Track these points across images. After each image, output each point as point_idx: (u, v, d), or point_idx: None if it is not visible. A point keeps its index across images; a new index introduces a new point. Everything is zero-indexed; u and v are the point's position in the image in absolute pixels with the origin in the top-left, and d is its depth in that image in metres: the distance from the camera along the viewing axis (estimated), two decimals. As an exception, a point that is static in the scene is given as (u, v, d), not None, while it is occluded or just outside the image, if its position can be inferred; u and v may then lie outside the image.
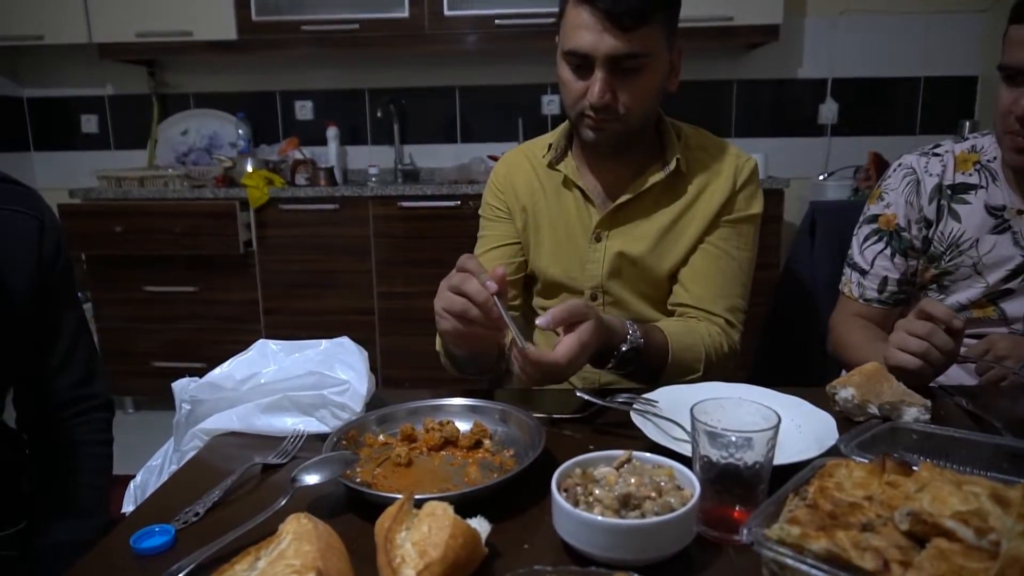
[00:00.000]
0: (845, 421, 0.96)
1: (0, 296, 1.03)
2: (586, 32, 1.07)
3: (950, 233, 1.26)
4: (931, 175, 1.29)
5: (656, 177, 1.22)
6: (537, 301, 1.38)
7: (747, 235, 1.26)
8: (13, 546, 1.10)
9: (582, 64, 1.11)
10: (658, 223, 1.24)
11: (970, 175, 1.26)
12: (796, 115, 3.40)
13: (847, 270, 1.42)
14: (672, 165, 1.21)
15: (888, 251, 1.35)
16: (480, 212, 1.40)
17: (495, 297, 0.89)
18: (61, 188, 3.16)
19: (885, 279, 1.35)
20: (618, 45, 1.07)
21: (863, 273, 1.38)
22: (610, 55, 1.07)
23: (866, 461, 0.71)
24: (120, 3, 3.11)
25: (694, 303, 1.23)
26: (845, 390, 0.98)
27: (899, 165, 1.35)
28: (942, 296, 1.31)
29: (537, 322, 0.97)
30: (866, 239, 1.38)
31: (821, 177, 3.22)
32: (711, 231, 1.24)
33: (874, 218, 1.37)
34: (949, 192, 1.28)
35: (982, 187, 1.25)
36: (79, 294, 1.21)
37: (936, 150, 1.32)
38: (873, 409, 0.95)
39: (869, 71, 3.32)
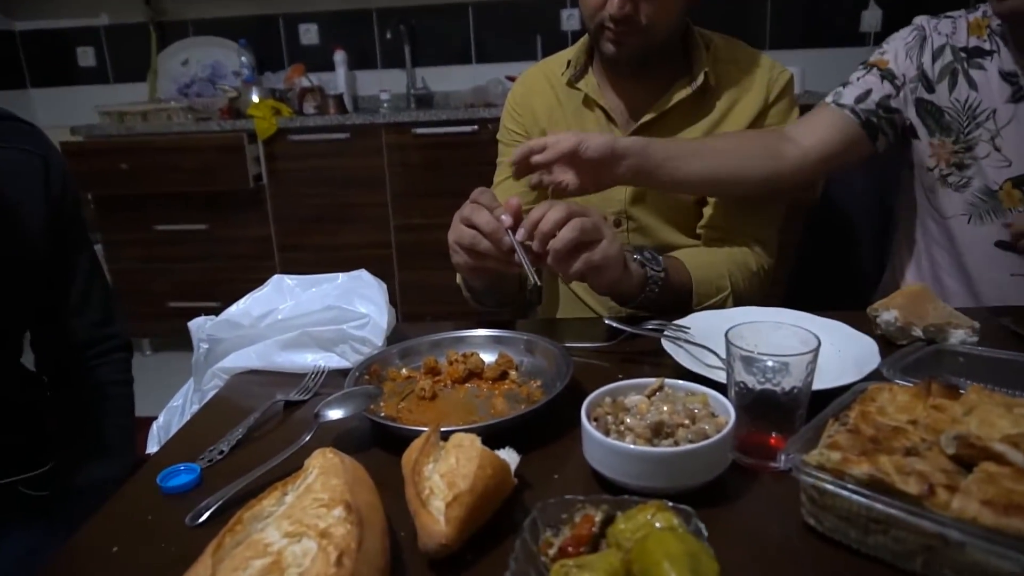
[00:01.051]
0: (887, 345, 0.95)
1: (11, 236, 1.04)
2: None
3: (966, 100, 1.20)
4: (940, 34, 1.22)
5: (682, 93, 1.18)
6: None
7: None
8: (43, 486, 1.14)
9: None
10: (687, 137, 1.20)
11: (984, 40, 1.20)
12: (836, 23, 3.26)
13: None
14: (699, 80, 1.17)
15: (877, 77, 1.24)
16: (498, 136, 1.37)
17: (508, 230, 0.89)
18: (62, 126, 3.15)
19: (869, 91, 1.24)
20: None
21: (845, 84, 1.27)
22: None
23: (911, 385, 0.70)
24: (109, -76, 3.03)
25: (721, 224, 1.21)
26: (888, 312, 0.96)
27: (911, 24, 1.27)
28: (963, 180, 1.23)
29: (518, 236, 0.92)
30: (861, 69, 1.28)
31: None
32: (759, 119, 1.20)
33: (867, 64, 1.28)
34: (964, 55, 1.20)
35: (995, 51, 1.18)
36: (89, 235, 1.22)
37: (949, 13, 1.25)
38: (917, 332, 0.94)
39: (917, -29, 3.15)
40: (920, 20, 1.26)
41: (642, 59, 1.14)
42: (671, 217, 1.24)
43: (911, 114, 1.24)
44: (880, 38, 3.21)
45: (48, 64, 3.64)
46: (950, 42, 1.21)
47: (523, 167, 1.01)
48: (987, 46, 1.18)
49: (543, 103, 1.29)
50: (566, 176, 1.01)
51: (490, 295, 1.16)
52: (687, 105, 1.19)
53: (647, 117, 1.20)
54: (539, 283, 0.91)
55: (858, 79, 1.24)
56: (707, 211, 1.23)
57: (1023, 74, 1.16)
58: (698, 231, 1.24)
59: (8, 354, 1.12)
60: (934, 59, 1.21)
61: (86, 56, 3.61)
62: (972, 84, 1.19)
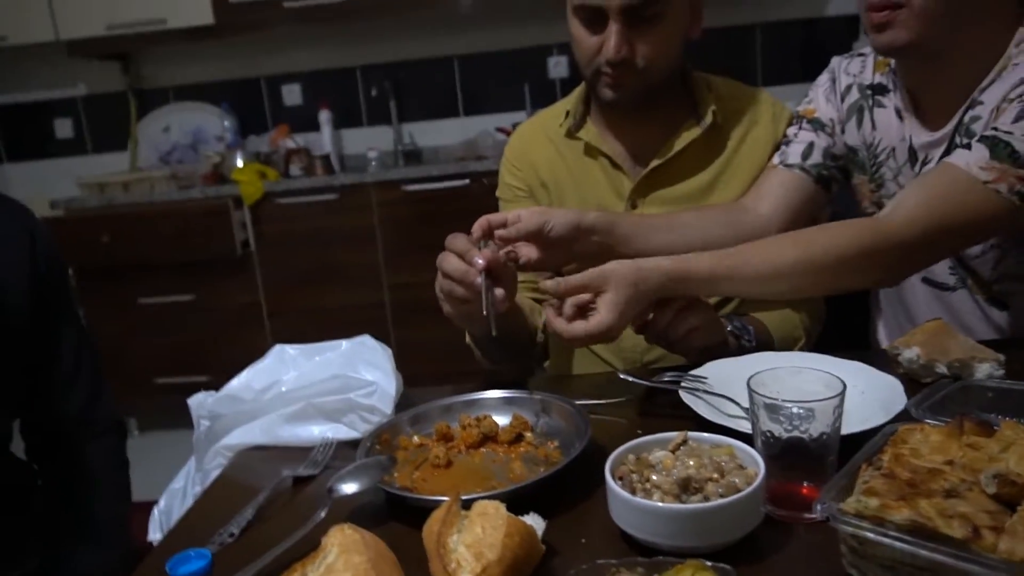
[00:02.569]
0: (911, 383, 0.96)
1: None
2: None
3: (871, 139, 1.22)
4: (848, 74, 1.25)
5: (692, 134, 1.21)
6: None
7: None
8: (33, 580, 1.13)
9: (594, 18, 1.10)
10: (698, 182, 1.23)
11: (885, 76, 1.21)
12: (828, 56, 3.34)
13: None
14: (708, 119, 1.20)
15: (809, 126, 1.26)
16: (498, 193, 1.40)
17: (482, 273, 0.94)
18: (40, 200, 3.19)
19: (811, 144, 1.25)
20: None
21: (786, 143, 1.27)
22: (625, 5, 1.06)
23: (942, 424, 0.71)
24: (86, -5, 3.12)
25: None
26: (909, 350, 0.98)
27: (826, 68, 1.31)
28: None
29: (634, 330, 1.01)
30: (792, 123, 1.30)
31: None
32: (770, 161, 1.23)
33: (798, 116, 1.30)
34: (869, 92, 1.22)
35: (892, 89, 1.20)
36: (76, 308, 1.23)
37: (863, 51, 1.27)
38: (941, 368, 0.95)
39: None
40: (834, 62, 1.30)
41: (642, 100, 1.17)
42: None
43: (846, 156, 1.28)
44: (873, 69, 3.31)
45: (24, 137, 3.71)
46: (857, 80, 1.24)
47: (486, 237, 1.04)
48: (887, 83, 1.21)
49: (543, 156, 1.31)
50: (529, 252, 1.04)
51: (497, 348, 1.18)
52: (697, 146, 1.22)
53: (656, 162, 1.22)
54: (494, 333, 0.95)
55: (795, 135, 1.26)
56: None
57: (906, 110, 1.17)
58: None
59: (-3, 443, 1.13)
60: (842, 99, 1.25)
61: (63, 127, 3.68)
62: (874, 123, 1.21)
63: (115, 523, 1.20)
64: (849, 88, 1.24)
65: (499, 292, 0.95)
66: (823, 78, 1.30)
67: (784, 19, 3.34)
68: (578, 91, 1.29)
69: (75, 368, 1.17)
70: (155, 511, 1.03)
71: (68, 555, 1.14)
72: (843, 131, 1.25)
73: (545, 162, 1.31)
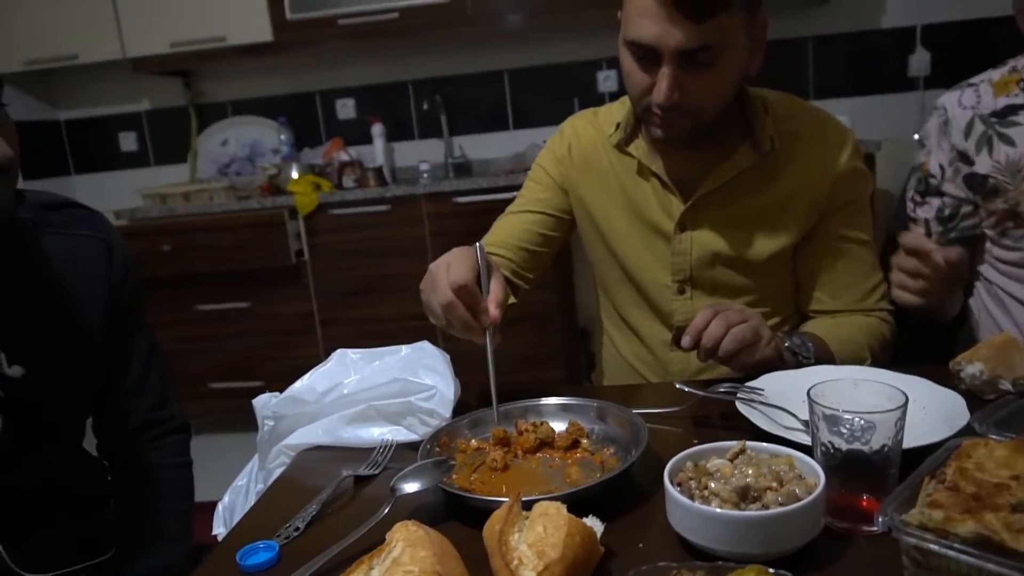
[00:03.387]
0: (973, 400, 0.95)
1: (75, 324, 1.10)
2: (650, 22, 1.00)
3: (1007, 158, 1.24)
4: (964, 108, 1.28)
5: (746, 160, 1.17)
6: (617, 299, 1.33)
7: (866, 210, 1.24)
8: (105, 575, 1.17)
9: (647, 56, 1.05)
10: (752, 208, 1.19)
11: (1016, 95, 1.25)
12: (882, 69, 3.31)
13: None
14: (765, 146, 1.16)
15: (918, 196, 1.37)
16: (530, 172, 1.38)
17: (487, 331, 0.93)
18: (105, 210, 3.30)
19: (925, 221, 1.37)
20: (688, 38, 0.99)
21: (914, 221, 1.40)
22: (679, 50, 1.01)
23: (1008, 439, 0.70)
24: (151, 14, 3.25)
25: (844, 307, 1.23)
26: (972, 366, 0.96)
27: (934, 108, 1.35)
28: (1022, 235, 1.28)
29: (684, 343, 1.01)
30: (913, 190, 1.40)
31: (917, 136, 3.13)
32: (828, 219, 1.20)
33: (919, 165, 1.38)
34: (994, 120, 1.26)
35: None
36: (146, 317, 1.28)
37: (971, 80, 1.32)
38: (1006, 385, 0.94)
39: (963, 13, 3.21)
40: (942, 100, 1.33)
41: (694, 138, 1.13)
42: (738, 283, 1.23)
43: (961, 192, 1.31)
44: (929, 82, 3.26)
45: (91, 150, 3.85)
46: (977, 113, 1.27)
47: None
48: (1020, 99, 1.24)
49: (596, 165, 1.28)
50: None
51: None
52: (751, 171, 1.18)
53: (707, 188, 1.18)
54: (496, 410, 0.96)
55: (913, 209, 1.37)
56: (820, 295, 1.25)
57: None
58: (811, 314, 1.27)
59: (70, 439, 1.17)
60: (966, 136, 1.27)
61: (128, 141, 3.82)
62: (1009, 141, 1.24)
63: (178, 520, 1.23)
64: (971, 123, 1.27)
65: (499, 338, 0.95)
66: (934, 122, 1.33)
67: (836, 32, 3.30)
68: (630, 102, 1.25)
69: (144, 373, 1.21)
70: (219, 507, 1.07)
71: (136, 550, 1.18)
72: (969, 163, 1.27)
73: (598, 173, 1.28)
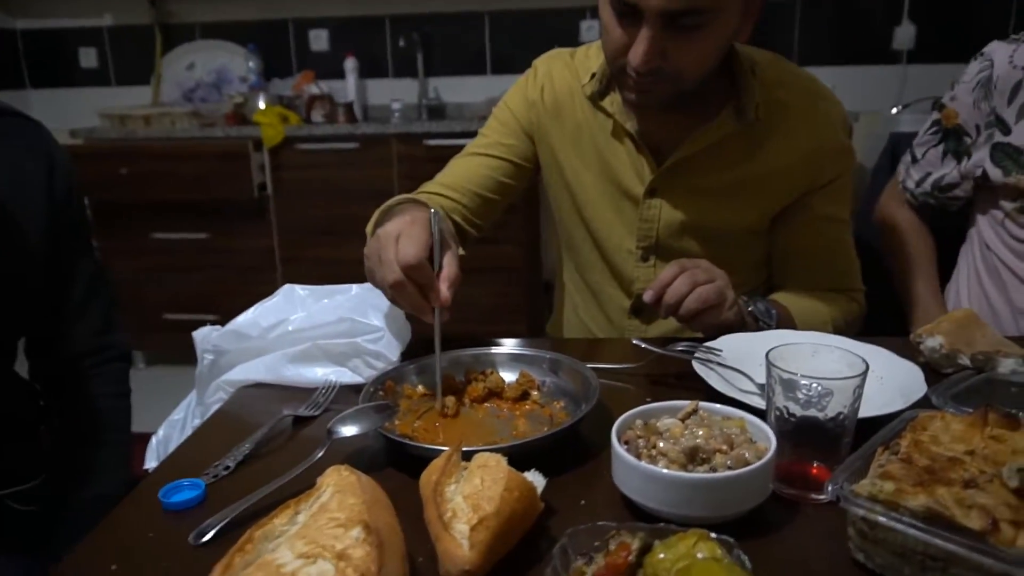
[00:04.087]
0: (931, 373, 0.94)
1: (11, 241, 1.04)
2: None
3: None
4: (1015, 67, 1.16)
5: (727, 127, 1.09)
6: (579, 259, 1.28)
7: (848, 188, 1.19)
8: (32, 501, 1.13)
9: (627, 12, 0.95)
10: (729, 179, 1.13)
11: None
12: (867, 40, 3.27)
13: (908, 149, 1.40)
14: (751, 115, 1.08)
15: (940, 148, 1.30)
16: (495, 109, 1.29)
17: (434, 309, 0.88)
18: (61, 129, 3.17)
19: (926, 175, 1.33)
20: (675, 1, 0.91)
21: (914, 159, 1.37)
22: (664, 10, 0.91)
23: (964, 413, 0.69)
24: (118, -78, 3.07)
25: (817, 287, 1.18)
26: (932, 339, 0.95)
27: (981, 54, 1.24)
28: None
29: (646, 297, 0.96)
30: (930, 127, 1.35)
31: (895, 110, 3.11)
32: (809, 196, 1.14)
33: (940, 106, 1.31)
34: None
35: None
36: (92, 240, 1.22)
37: None
38: (964, 360, 0.93)
39: (953, -12, 3.17)
40: (990, 50, 1.21)
41: (670, 104, 1.05)
42: (714, 255, 1.07)
43: (986, 163, 1.23)
44: (913, 56, 3.23)
45: (49, 65, 3.68)
46: None
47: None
48: None
49: (570, 115, 1.20)
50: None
51: None
52: (731, 139, 1.11)
53: (682, 154, 1.11)
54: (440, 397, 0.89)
55: (922, 152, 1.29)
56: (798, 272, 1.20)
57: None
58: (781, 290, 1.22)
59: (1, 361, 1.12)
60: (1009, 100, 1.17)
61: (88, 57, 3.64)
62: None
63: (115, 450, 1.19)
64: (1019, 86, 1.15)
65: (447, 314, 0.89)
66: (974, 70, 1.22)
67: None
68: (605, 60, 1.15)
69: (87, 297, 1.16)
70: (153, 440, 1.03)
71: (70, 478, 1.14)
72: (1006, 131, 1.18)
73: (572, 124, 1.20)
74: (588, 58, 1.21)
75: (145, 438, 1.06)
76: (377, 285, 0.91)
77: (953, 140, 1.28)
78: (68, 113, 3.52)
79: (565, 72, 1.22)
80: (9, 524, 1.09)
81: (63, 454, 1.16)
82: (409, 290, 0.85)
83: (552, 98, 1.22)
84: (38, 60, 3.69)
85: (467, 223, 1.23)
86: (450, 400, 0.85)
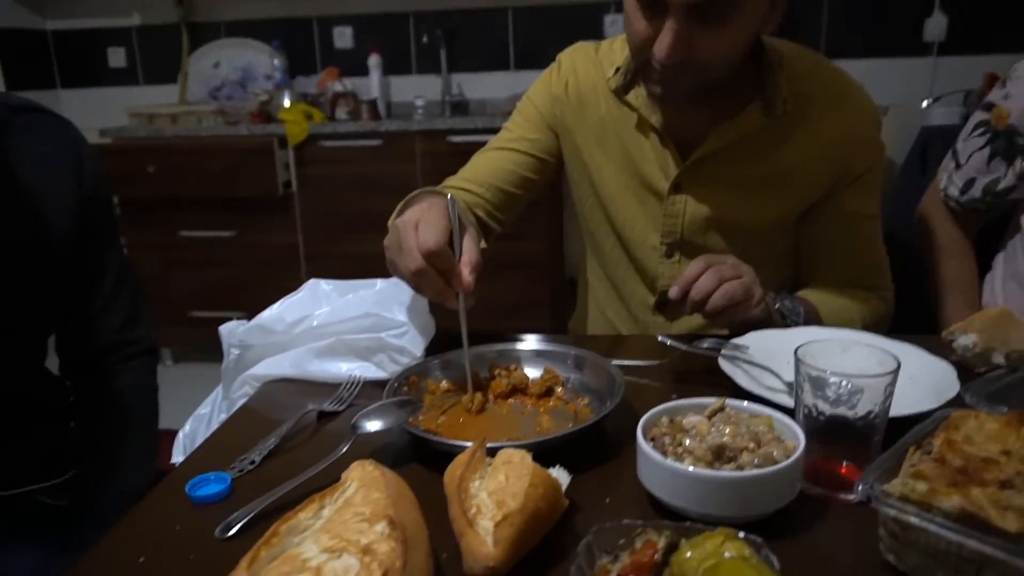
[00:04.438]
0: (964, 372, 0.92)
1: (40, 237, 1.05)
2: None
3: None
4: None
5: (753, 122, 1.08)
6: (602, 254, 1.27)
7: (877, 183, 1.16)
8: (62, 496, 1.15)
9: (652, 3, 0.94)
10: (755, 174, 1.11)
11: None
12: (897, 31, 3.21)
13: (950, 152, 1.35)
14: (778, 110, 1.06)
15: (987, 151, 1.25)
16: (519, 104, 1.28)
17: (458, 295, 0.86)
18: (91, 128, 3.21)
19: (972, 181, 1.28)
20: None
21: (957, 164, 1.31)
22: (689, 2, 0.90)
23: (999, 412, 0.67)
24: (145, -77, 3.11)
25: (844, 284, 1.16)
26: (966, 336, 0.93)
27: None
28: None
29: (672, 293, 0.94)
30: (975, 128, 1.29)
31: (925, 103, 3.06)
32: (837, 192, 1.13)
33: (989, 106, 1.27)
34: None
35: None
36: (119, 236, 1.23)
37: None
38: (999, 358, 0.91)
39: (986, -23, 3.11)
40: None
41: (695, 96, 1.03)
42: (739, 251, 1.06)
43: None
44: (944, 48, 3.17)
45: (78, 65, 3.73)
46: None
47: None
48: None
49: (594, 109, 1.19)
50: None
51: None
52: (757, 134, 1.09)
53: (711, 146, 1.10)
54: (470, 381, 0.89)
55: (966, 155, 1.24)
56: (826, 270, 1.18)
57: None
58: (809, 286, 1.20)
59: (32, 356, 1.13)
60: None
61: (117, 56, 3.69)
62: None
63: (141, 445, 1.21)
64: None
65: (472, 299, 0.88)
66: None
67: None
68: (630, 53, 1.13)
69: (115, 292, 1.17)
70: (180, 435, 1.04)
71: (96, 474, 1.16)
72: None
73: (595, 119, 1.19)
74: (612, 51, 1.20)
75: (172, 434, 1.08)
76: (399, 275, 0.91)
77: (1004, 141, 1.23)
78: (97, 112, 3.57)
79: (589, 66, 1.21)
80: (38, 519, 1.11)
81: (91, 450, 1.18)
82: (431, 277, 0.84)
83: (576, 92, 1.21)
84: (68, 60, 3.74)
85: (489, 218, 1.23)
86: (477, 396, 0.85)
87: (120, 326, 1.18)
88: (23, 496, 1.10)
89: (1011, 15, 3.13)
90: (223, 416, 1.01)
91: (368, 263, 3.09)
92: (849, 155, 1.11)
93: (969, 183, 1.28)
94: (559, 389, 0.89)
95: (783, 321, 1.05)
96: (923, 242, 1.39)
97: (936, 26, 3.17)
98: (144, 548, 0.65)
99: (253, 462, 0.77)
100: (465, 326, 0.89)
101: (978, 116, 1.29)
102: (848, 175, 1.12)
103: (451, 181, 1.26)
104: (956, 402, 0.77)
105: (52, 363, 1.20)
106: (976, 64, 3.12)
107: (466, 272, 0.85)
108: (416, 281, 0.86)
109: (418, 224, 0.85)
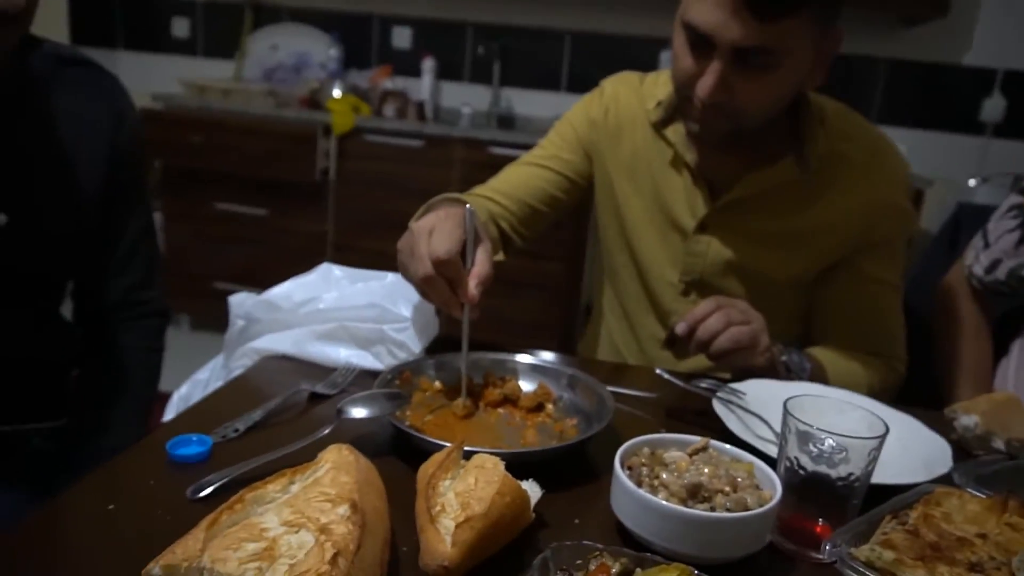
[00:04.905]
0: (961, 452, 0.91)
1: (68, 184, 1.08)
2: (712, 7, 0.92)
3: None
4: None
5: (787, 174, 1.08)
6: (619, 284, 1.27)
7: (900, 252, 1.16)
8: (52, 441, 1.17)
9: (700, 43, 0.95)
10: (782, 226, 1.12)
11: None
12: (953, 108, 3.19)
13: (980, 231, 1.34)
14: (813, 165, 1.07)
15: (1017, 234, 1.25)
16: (557, 123, 1.30)
17: (462, 305, 0.87)
18: (144, 92, 3.29)
19: (997, 262, 1.27)
20: (747, 35, 0.91)
21: (986, 244, 1.30)
22: (735, 46, 0.92)
23: (985, 496, 0.66)
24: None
25: (859, 349, 1.14)
26: (968, 417, 0.92)
27: None
28: None
29: (678, 329, 0.94)
30: (1008, 210, 1.29)
31: (972, 182, 3.02)
32: (859, 255, 1.12)
33: (1017, 206, 1.27)
34: None
35: None
36: (150, 199, 1.26)
37: None
38: (999, 443, 0.89)
39: (1051, 65, 3.08)
40: None
41: (730, 139, 1.05)
42: (755, 300, 1.05)
43: None
44: (1000, 131, 3.14)
45: (142, 29, 3.82)
46: None
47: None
48: None
49: (629, 139, 1.20)
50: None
51: None
52: (789, 186, 1.10)
53: (739, 193, 1.10)
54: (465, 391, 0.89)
55: (1004, 218, 1.23)
56: (841, 333, 1.16)
57: None
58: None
59: (48, 301, 1.16)
60: None
61: (180, 26, 3.78)
62: None
63: (139, 404, 1.22)
64: None
65: (477, 312, 0.88)
66: None
67: (914, 59, 3.18)
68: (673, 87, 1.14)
69: (132, 250, 1.19)
70: (175, 396, 1.06)
71: (89, 427, 1.17)
72: None
73: (629, 148, 1.20)
74: (656, 85, 1.21)
75: (168, 397, 1.09)
76: (409, 278, 0.91)
77: None
78: (153, 77, 3.64)
79: (631, 96, 1.22)
80: (25, 461, 1.13)
81: (88, 399, 1.20)
82: (439, 285, 0.85)
83: (615, 120, 1.22)
84: (133, 23, 3.83)
85: (513, 231, 1.24)
86: (467, 400, 0.85)
87: (132, 285, 1.20)
88: (15, 435, 1.12)
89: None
90: (219, 383, 1.02)
91: (392, 261, 3.10)
92: (875, 219, 1.11)
93: (994, 264, 1.26)
94: (550, 406, 0.89)
95: (788, 374, 1.04)
96: (941, 315, 1.37)
97: (994, 107, 3.14)
98: (115, 497, 0.66)
99: (237, 430, 0.78)
100: (467, 337, 0.89)
101: (1013, 199, 1.28)
102: (871, 239, 1.12)
103: (480, 190, 1.27)
104: (944, 479, 0.76)
105: (67, 310, 1.23)
106: (1030, 150, 3.09)
107: (472, 284, 0.86)
108: (424, 287, 0.87)
109: (432, 231, 0.86)
